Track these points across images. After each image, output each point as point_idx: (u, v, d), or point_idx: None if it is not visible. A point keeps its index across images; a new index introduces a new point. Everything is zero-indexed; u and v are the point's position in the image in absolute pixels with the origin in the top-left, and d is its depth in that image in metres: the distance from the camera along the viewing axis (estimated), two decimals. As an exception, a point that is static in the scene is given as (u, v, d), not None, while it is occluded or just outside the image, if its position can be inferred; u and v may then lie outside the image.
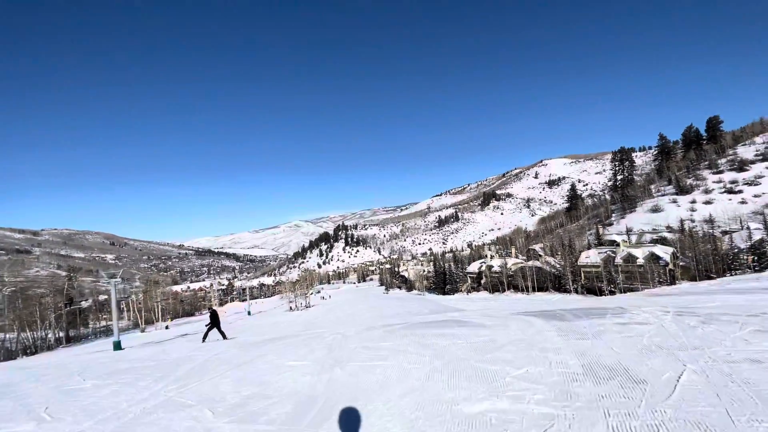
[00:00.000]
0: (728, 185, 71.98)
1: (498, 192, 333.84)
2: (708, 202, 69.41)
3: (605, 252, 44.95)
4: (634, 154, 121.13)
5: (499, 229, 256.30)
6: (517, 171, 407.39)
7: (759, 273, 31.37)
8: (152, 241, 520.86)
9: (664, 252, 39.36)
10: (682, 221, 56.89)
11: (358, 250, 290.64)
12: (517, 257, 64.96)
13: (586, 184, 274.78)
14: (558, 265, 50.55)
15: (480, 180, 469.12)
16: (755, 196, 65.74)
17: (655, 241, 46.59)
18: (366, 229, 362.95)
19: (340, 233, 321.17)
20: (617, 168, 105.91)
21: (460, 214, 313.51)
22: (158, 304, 49.87)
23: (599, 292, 41.03)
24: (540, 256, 56.08)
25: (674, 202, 75.30)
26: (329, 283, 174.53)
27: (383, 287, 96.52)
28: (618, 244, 49.88)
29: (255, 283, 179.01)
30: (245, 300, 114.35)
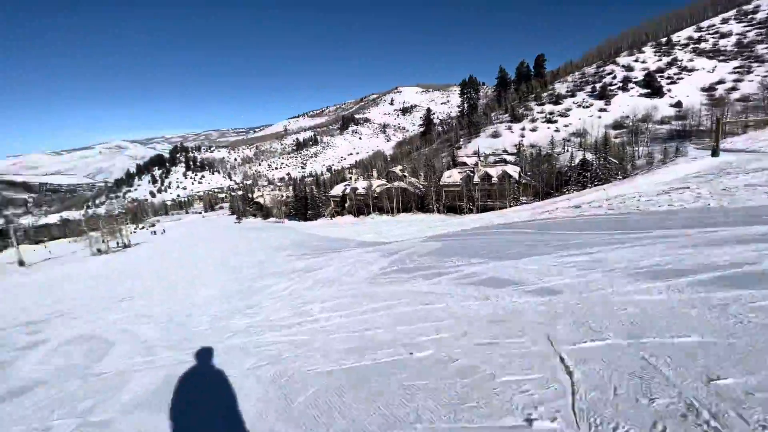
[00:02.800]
0: (548, 116, 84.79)
1: (356, 116, 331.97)
2: (534, 130, 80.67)
3: (465, 171, 46.29)
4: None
5: (358, 153, 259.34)
6: (375, 96, 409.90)
7: (583, 190, 35.98)
8: None
9: (514, 171, 42.33)
10: (520, 144, 63.91)
11: (203, 176, 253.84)
12: (378, 180, 63.58)
13: (434, 113, 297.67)
14: (421, 186, 50.64)
15: (338, 103, 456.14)
16: (565, 126, 79.34)
17: (503, 161, 50.39)
18: (213, 152, 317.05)
19: (179, 156, 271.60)
20: (465, 95, 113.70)
21: (319, 138, 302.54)
22: None
23: (459, 211, 42.43)
24: (404, 177, 55.37)
25: (509, 129, 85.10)
26: (167, 214, 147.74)
27: (235, 216, 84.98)
28: (467, 165, 52.67)
29: (55, 218, 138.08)
30: (42, 242, 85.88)
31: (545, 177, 39.73)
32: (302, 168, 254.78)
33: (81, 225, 61.24)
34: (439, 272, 6.74)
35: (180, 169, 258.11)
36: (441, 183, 46.17)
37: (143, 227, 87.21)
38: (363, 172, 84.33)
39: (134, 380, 3.92)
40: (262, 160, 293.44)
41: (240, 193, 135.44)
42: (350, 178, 63.84)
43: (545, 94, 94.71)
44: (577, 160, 42.06)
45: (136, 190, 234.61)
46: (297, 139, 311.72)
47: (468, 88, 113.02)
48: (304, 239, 27.97)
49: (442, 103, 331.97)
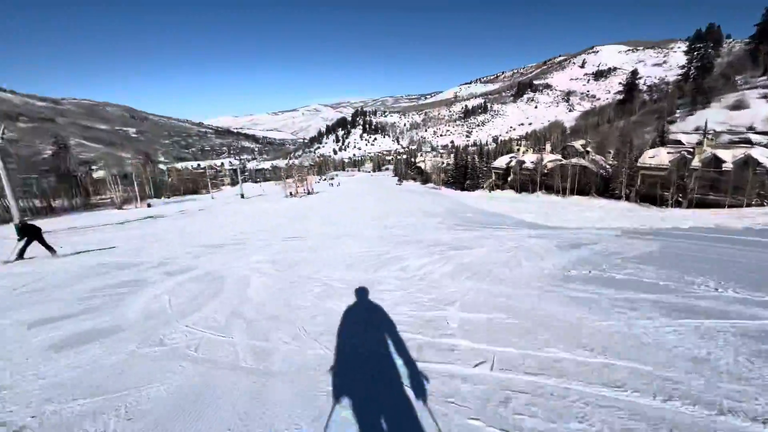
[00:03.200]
0: None
1: (536, 82, 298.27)
2: (814, 99, 54.62)
3: (678, 152, 35.17)
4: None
5: (530, 123, 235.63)
6: (562, 58, 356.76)
7: None
8: (172, 118, 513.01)
9: (765, 157, 29.52)
10: (784, 119, 44.57)
11: (375, 138, 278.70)
12: (551, 154, 55.36)
13: (640, 76, 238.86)
14: (608, 166, 41.41)
15: (517, 68, 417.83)
16: None
17: (748, 143, 36.05)
18: (386, 116, 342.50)
19: (358, 119, 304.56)
20: (696, 52, 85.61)
21: (489, 105, 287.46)
22: (140, 180, 44.94)
23: (661, 202, 32.86)
24: (586, 153, 46.43)
25: (765, 97, 60.17)
26: (344, 170, 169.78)
27: (397, 178, 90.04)
28: (681, 144, 39.67)
29: (268, 165, 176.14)
30: (258, 182, 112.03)
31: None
32: (467, 136, 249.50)
33: (281, 172, 74.90)
34: (690, 305, 3.77)
35: (358, 131, 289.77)
36: (639, 164, 36.36)
37: (324, 179, 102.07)
38: (534, 145, 75.40)
39: (157, 381, 3.04)
40: (428, 126, 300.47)
41: (404, 157, 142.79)
42: (518, 150, 57.81)
43: None
44: None
45: (323, 147, 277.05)
46: (466, 106, 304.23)
47: (702, 41, 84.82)
48: (458, 209, 26.52)
49: (654, 65, 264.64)
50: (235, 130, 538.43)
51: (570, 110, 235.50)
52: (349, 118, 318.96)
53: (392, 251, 8.24)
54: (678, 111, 72.07)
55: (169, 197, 57.92)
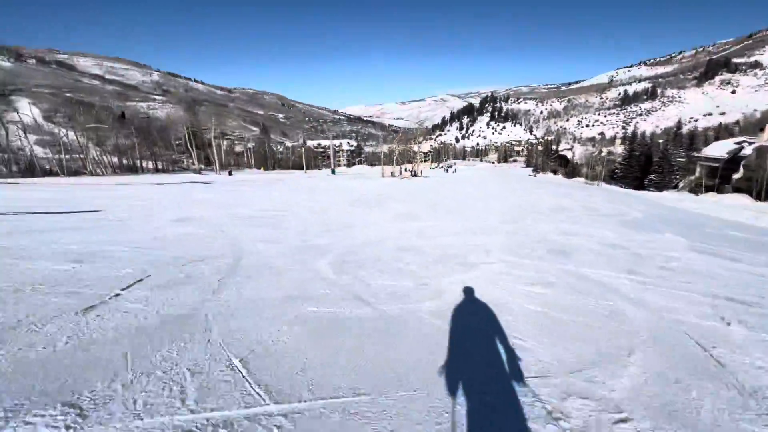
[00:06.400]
0: None
1: (735, 60, 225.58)
2: None
3: None
4: None
5: (723, 113, 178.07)
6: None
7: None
8: (313, 105, 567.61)
9: None
10: None
11: (504, 127, 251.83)
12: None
13: None
14: None
15: (703, 45, 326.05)
16: None
17: None
18: (519, 103, 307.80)
19: (486, 106, 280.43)
20: None
21: (659, 90, 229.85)
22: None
23: None
24: None
25: None
26: (464, 159, 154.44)
27: (531, 169, 72.01)
28: None
29: (386, 148, 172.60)
30: (374, 165, 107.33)
31: None
32: (623, 128, 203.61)
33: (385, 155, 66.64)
34: None
35: (485, 118, 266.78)
36: None
37: (441, 166, 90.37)
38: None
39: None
40: (571, 115, 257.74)
41: (540, 148, 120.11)
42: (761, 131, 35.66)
43: None
44: None
45: (445, 134, 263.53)
46: (625, 91, 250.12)
47: None
48: (682, 218, 11.69)
49: None
50: (365, 118, 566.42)
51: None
52: (477, 105, 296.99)
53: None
54: None
55: (266, 169, 54.71)
